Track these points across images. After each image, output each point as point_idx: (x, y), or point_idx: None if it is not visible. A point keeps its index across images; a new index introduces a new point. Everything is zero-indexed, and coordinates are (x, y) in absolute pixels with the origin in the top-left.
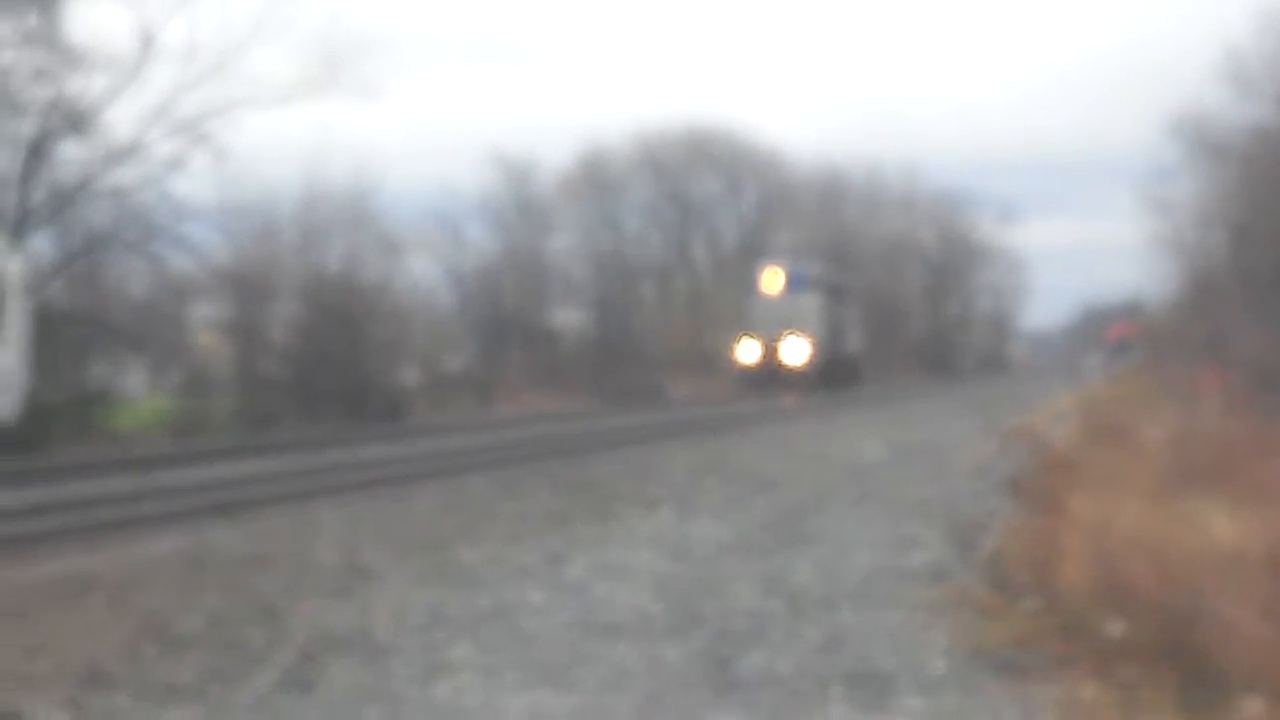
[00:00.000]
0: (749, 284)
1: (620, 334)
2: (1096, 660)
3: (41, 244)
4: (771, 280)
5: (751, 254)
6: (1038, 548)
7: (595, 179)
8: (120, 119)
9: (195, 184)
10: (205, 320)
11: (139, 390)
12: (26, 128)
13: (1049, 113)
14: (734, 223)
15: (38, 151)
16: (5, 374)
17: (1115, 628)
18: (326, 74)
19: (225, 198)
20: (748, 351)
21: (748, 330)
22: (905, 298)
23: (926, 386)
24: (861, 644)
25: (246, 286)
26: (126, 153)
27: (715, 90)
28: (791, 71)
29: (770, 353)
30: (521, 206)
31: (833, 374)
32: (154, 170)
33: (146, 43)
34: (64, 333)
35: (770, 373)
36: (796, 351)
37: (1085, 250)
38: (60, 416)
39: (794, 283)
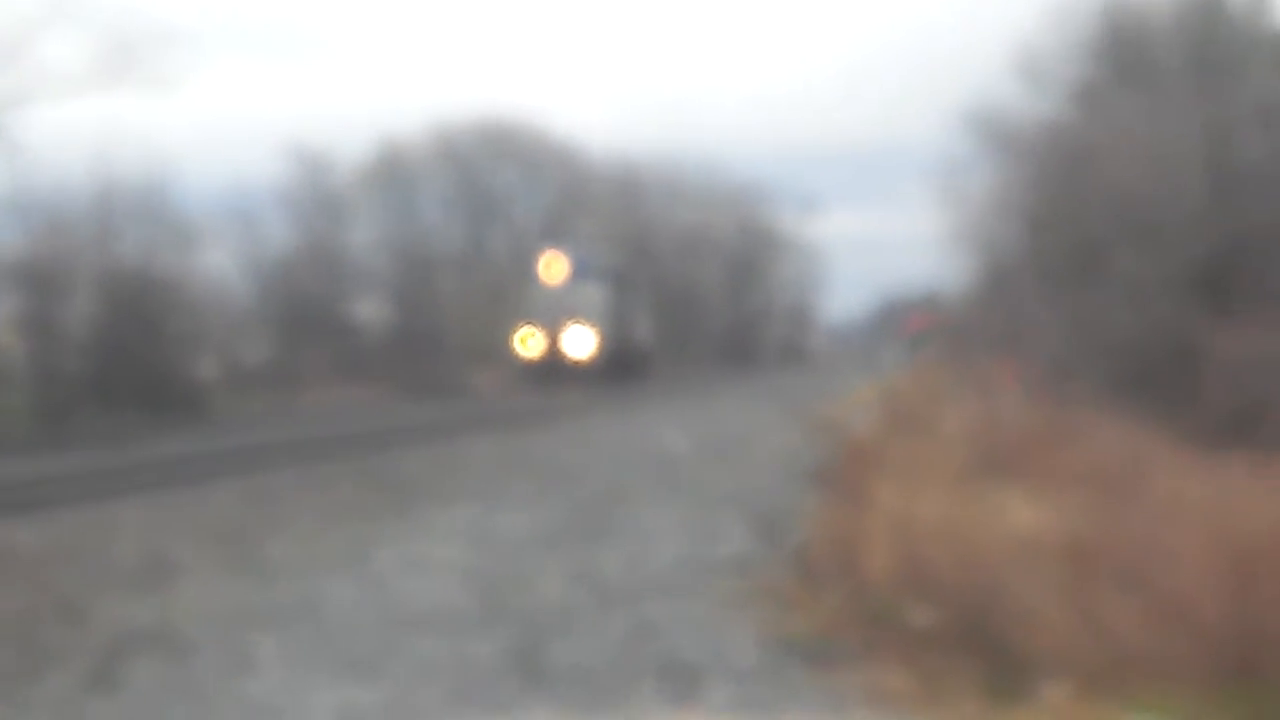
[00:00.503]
0: (529, 271)
1: (421, 327)
2: (902, 648)
3: None
4: (553, 267)
5: (550, 245)
6: (843, 538)
7: (393, 171)
8: None
9: None
10: None
11: None
12: None
13: (846, 103)
14: (533, 214)
15: None
16: None
17: (920, 616)
18: (120, 65)
19: (17, 190)
20: (529, 343)
21: (528, 320)
22: (705, 289)
23: (728, 378)
24: (670, 636)
25: (39, 280)
26: None
27: (512, 82)
28: (588, 63)
29: (553, 344)
30: (320, 199)
31: (621, 366)
32: None
33: None
34: None
35: (553, 365)
36: (581, 342)
37: (884, 242)
38: None
39: (578, 270)
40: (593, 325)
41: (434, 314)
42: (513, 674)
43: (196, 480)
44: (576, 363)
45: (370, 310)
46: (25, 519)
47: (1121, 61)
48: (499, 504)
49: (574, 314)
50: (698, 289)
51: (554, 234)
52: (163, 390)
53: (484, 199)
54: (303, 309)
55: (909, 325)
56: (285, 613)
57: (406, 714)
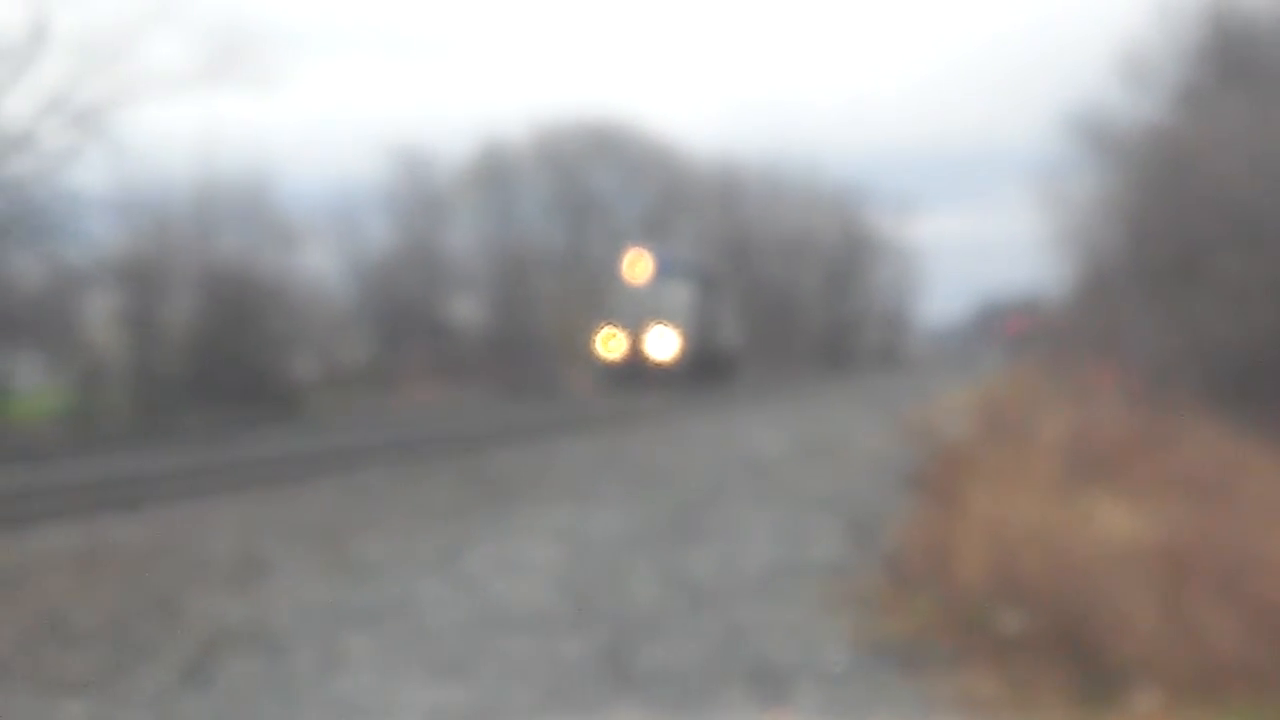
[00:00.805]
0: (613, 270)
1: (518, 327)
2: (993, 654)
3: None
4: (637, 266)
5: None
6: (936, 542)
7: (494, 171)
8: (13, 110)
9: (90, 175)
10: (100, 313)
11: (32, 383)
12: None
13: (945, 104)
14: (633, 216)
15: None
16: None
17: (1012, 621)
18: (223, 64)
19: (121, 189)
20: (611, 344)
21: (611, 320)
22: (803, 292)
23: (825, 381)
24: (761, 638)
25: (141, 279)
26: (20, 144)
27: (614, 83)
28: (689, 64)
29: (635, 345)
30: (420, 198)
31: (706, 368)
32: (48, 162)
33: (39, 32)
34: None
35: (635, 367)
36: (664, 344)
37: (982, 244)
38: None
39: (662, 269)
40: (677, 326)
41: (531, 315)
42: (603, 675)
43: (292, 479)
44: (659, 364)
45: (467, 310)
46: (124, 515)
47: (1227, 63)
48: (592, 504)
49: (657, 314)
50: (796, 291)
51: (653, 235)
52: (260, 389)
53: (583, 200)
54: (401, 309)
55: (1007, 329)
56: (378, 612)
57: (497, 714)
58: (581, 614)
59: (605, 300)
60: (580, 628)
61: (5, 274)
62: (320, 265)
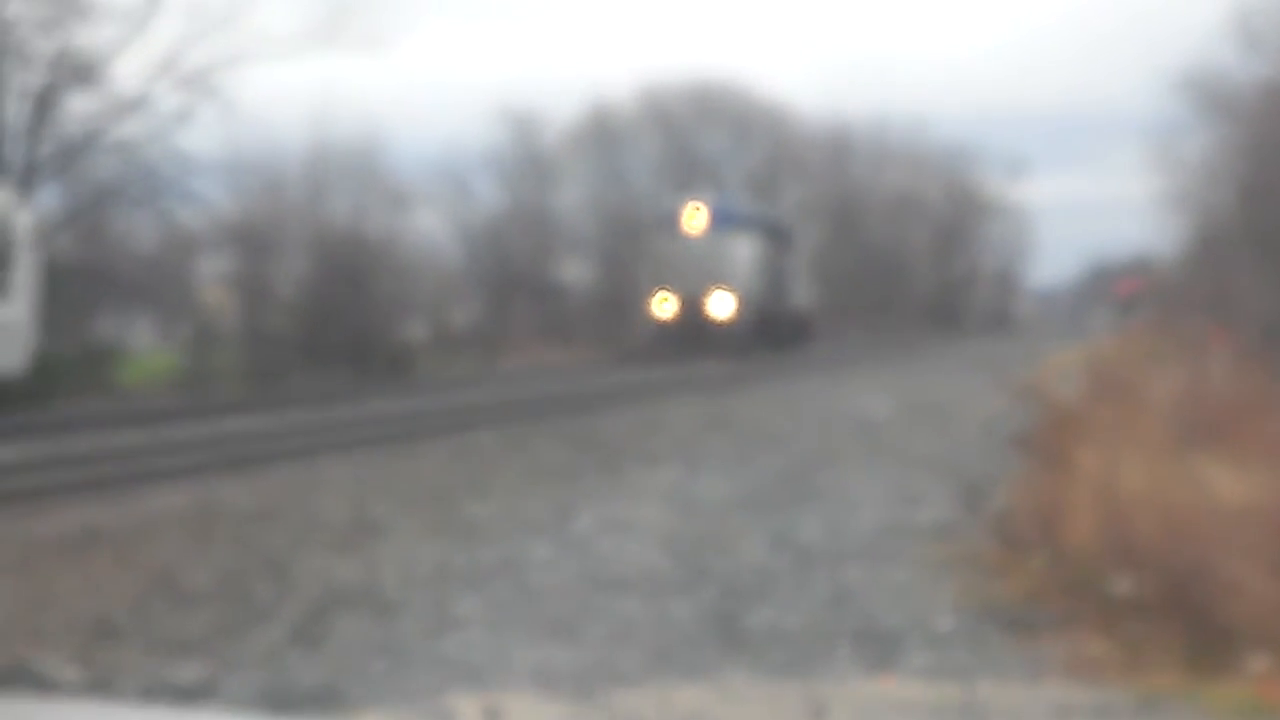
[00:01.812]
0: (668, 221)
1: (627, 288)
2: (1103, 617)
3: (48, 197)
4: (694, 219)
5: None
6: (1045, 504)
7: (602, 133)
8: (127, 71)
9: (202, 137)
10: (211, 275)
11: (145, 345)
12: (33, 79)
13: (1054, 65)
14: (741, 177)
15: (44, 103)
16: (14, 328)
17: (1122, 584)
18: (333, 26)
19: (232, 151)
20: (663, 304)
21: (662, 279)
22: (912, 254)
23: (933, 343)
24: (869, 600)
25: (253, 241)
26: (133, 105)
27: (721, 43)
28: (796, 24)
29: (690, 306)
30: (528, 160)
31: (771, 332)
32: (161, 123)
33: None
34: (71, 287)
35: (690, 329)
36: (720, 303)
37: (1092, 205)
38: (67, 371)
39: (720, 221)
40: (735, 284)
41: (641, 276)
42: (711, 637)
43: (401, 440)
44: (718, 326)
45: (575, 272)
46: (236, 476)
47: None
48: (700, 466)
49: (714, 271)
50: (904, 253)
51: (762, 198)
52: (370, 351)
53: (691, 161)
54: (510, 271)
55: (1117, 290)
56: (487, 572)
57: (606, 675)
58: (690, 575)
59: (658, 255)
60: (688, 589)
61: (118, 235)
62: (430, 227)
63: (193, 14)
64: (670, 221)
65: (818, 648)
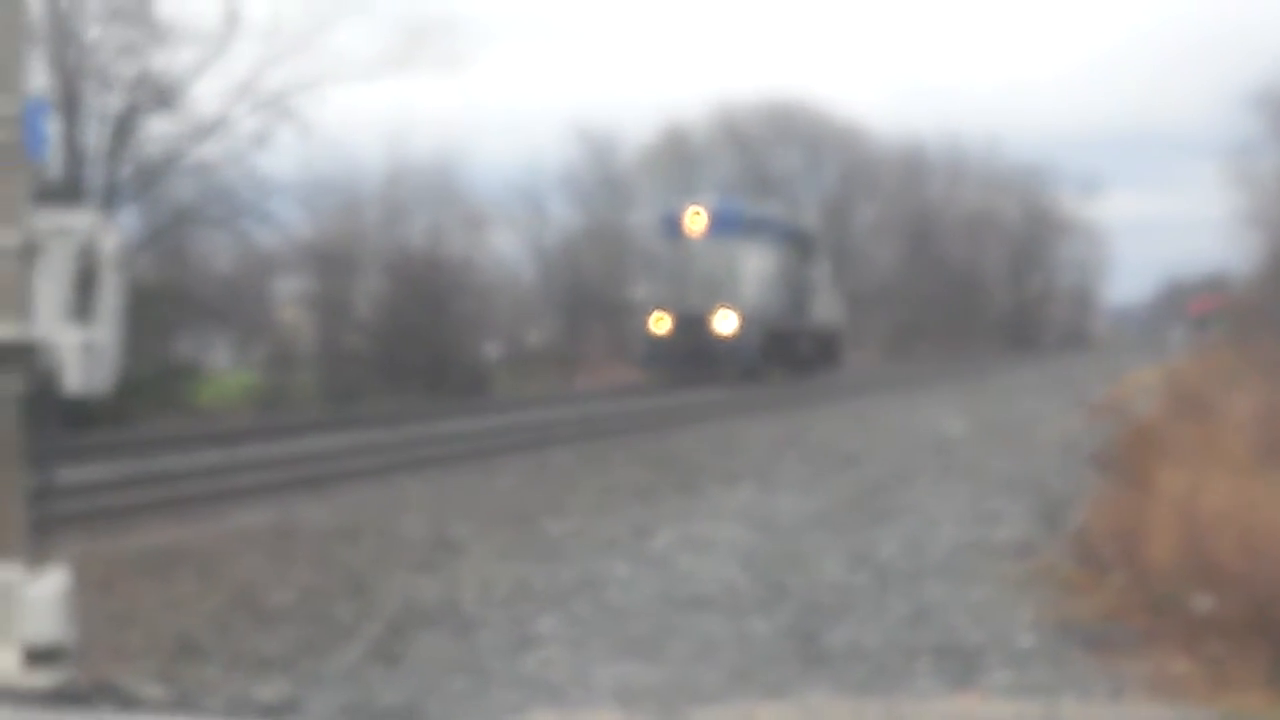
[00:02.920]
0: (669, 225)
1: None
2: (1185, 635)
3: (128, 219)
4: (696, 224)
5: (833, 229)
6: (1124, 522)
7: (677, 152)
8: (206, 94)
9: (280, 159)
10: (289, 295)
11: (223, 364)
12: (114, 102)
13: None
14: (815, 196)
15: (124, 126)
16: (101, 348)
17: (1203, 603)
18: (410, 49)
19: (309, 172)
20: (658, 320)
21: (660, 290)
22: (986, 272)
23: (1009, 360)
24: (948, 617)
25: (330, 261)
26: (212, 128)
27: (794, 63)
28: (868, 44)
29: (689, 321)
30: (603, 180)
31: (788, 353)
32: (239, 145)
33: (232, 18)
34: (150, 307)
35: (689, 348)
36: (724, 320)
37: (1167, 224)
38: (147, 390)
39: (722, 225)
40: (738, 297)
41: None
42: (792, 655)
43: (478, 459)
44: (722, 344)
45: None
46: (315, 495)
47: None
48: (776, 484)
49: (714, 282)
50: (979, 272)
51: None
52: (447, 370)
53: (766, 180)
54: (584, 290)
55: (1192, 308)
56: (566, 590)
57: (686, 693)
58: (769, 593)
59: (653, 264)
60: (768, 607)
61: (197, 257)
62: (505, 247)
63: (271, 37)
64: (671, 226)
65: (898, 665)
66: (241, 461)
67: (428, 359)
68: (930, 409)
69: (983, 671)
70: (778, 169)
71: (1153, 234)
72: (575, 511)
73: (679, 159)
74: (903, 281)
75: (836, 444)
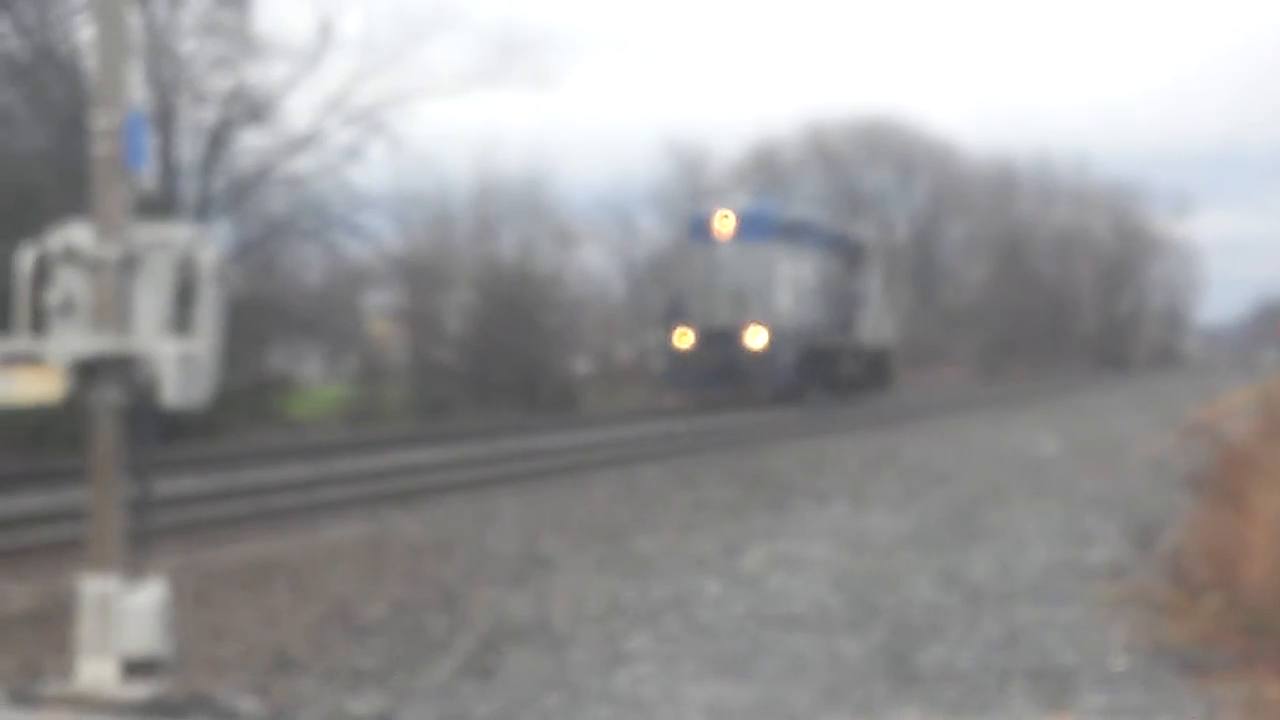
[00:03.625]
0: (700, 229)
1: None
2: None
3: (220, 231)
4: (724, 228)
5: (923, 247)
6: (1218, 544)
7: (766, 169)
8: (299, 108)
9: (371, 172)
10: (380, 308)
11: (314, 377)
12: (207, 116)
13: (1217, 101)
14: (905, 214)
15: (218, 140)
16: (201, 362)
17: None
18: (501, 64)
19: (400, 186)
20: (681, 335)
21: (685, 300)
22: (1077, 291)
23: (1100, 380)
24: (1041, 639)
25: (421, 275)
26: (304, 142)
27: (885, 81)
28: (958, 61)
29: (715, 334)
30: (693, 196)
31: (830, 373)
32: (331, 159)
33: (325, 32)
34: (243, 320)
35: (715, 364)
36: (755, 334)
37: (1260, 242)
38: (240, 403)
39: (753, 228)
40: (768, 308)
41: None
42: (883, 675)
43: (569, 474)
44: (750, 360)
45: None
46: (407, 509)
47: None
48: (867, 503)
49: (742, 292)
50: (1070, 290)
51: (926, 235)
52: (536, 385)
53: (856, 198)
54: (673, 306)
55: None
56: (657, 607)
57: (777, 712)
58: (860, 613)
59: (682, 271)
60: (859, 627)
61: (288, 269)
62: (595, 262)
63: (364, 52)
64: (701, 229)
65: (991, 687)
66: (334, 475)
67: (517, 374)
68: (1021, 428)
69: (1076, 694)
70: (868, 186)
71: (1245, 254)
72: (666, 528)
73: (769, 175)
74: (993, 299)
75: (928, 463)
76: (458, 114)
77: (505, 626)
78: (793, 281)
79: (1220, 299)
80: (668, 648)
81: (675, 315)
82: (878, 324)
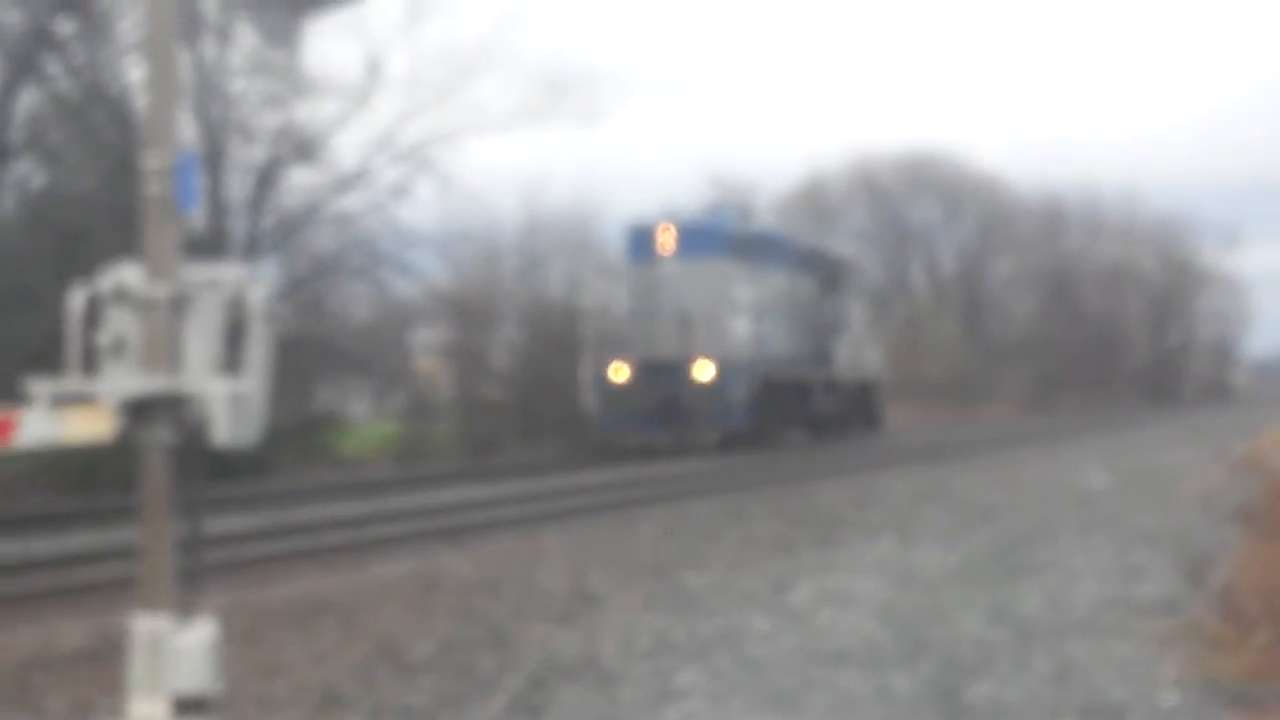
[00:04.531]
0: (641, 244)
1: None
2: None
3: (269, 269)
4: (663, 240)
5: (971, 281)
6: (1270, 579)
7: (814, 204)
8: (347, 146)
9: (419, 210)
10: (428, 345)
11: (363, 414)
12: (256, 154)
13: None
14: (953, 249)
15: (267, 178)
16: (251, 401)
17: None
18: (549, 102)
19: (448, 223)
20: (617, 368)
21: (620, 326)
22: (1126, 324)
23: (1149, 413)
24: (1091, 674)
25: (468, 312)
26: (353, 179)
27: (932, 116)
28: (1005, 96)
29: (656, 368)
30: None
31: (799, 410)
32: (379, 196)
33: (373, 71)
34: (292, 357)
35: (655, 401)
36: (701, 367)
37: None
38: (288, 440)
39: (699, 243)
40: (716, 335)
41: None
42: (932, 711)
43: (616, 510)
44: (696, 396)
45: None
46: (455, 546)
47: None
48: (916, 538)
49: (690, 316)
50: (1119, 324)
51: (974, 270)
52: (584, 421)
53: (903, 233)
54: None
55: None
56: (705, 643)
57: None
58: (909, 648)
59: (617, 291)
60: (908, 662)
61: (336, 306)
62: None
63: (411, 89)
64: (641, 244)
65: None
66: (382, 512)
67: (564, 409)
68: (1070, 462)
69: None
70: (915, 221)
71: None
72: (714, 564)
73: (816, 209)
74: (1041, 334)
75: (976, 497)
76: (505, 151)
77: (554, 664)
78: (749, 305)
79: (1270, 332)
80: (717, 684)
81: (610, 345)
82: (859, 354)
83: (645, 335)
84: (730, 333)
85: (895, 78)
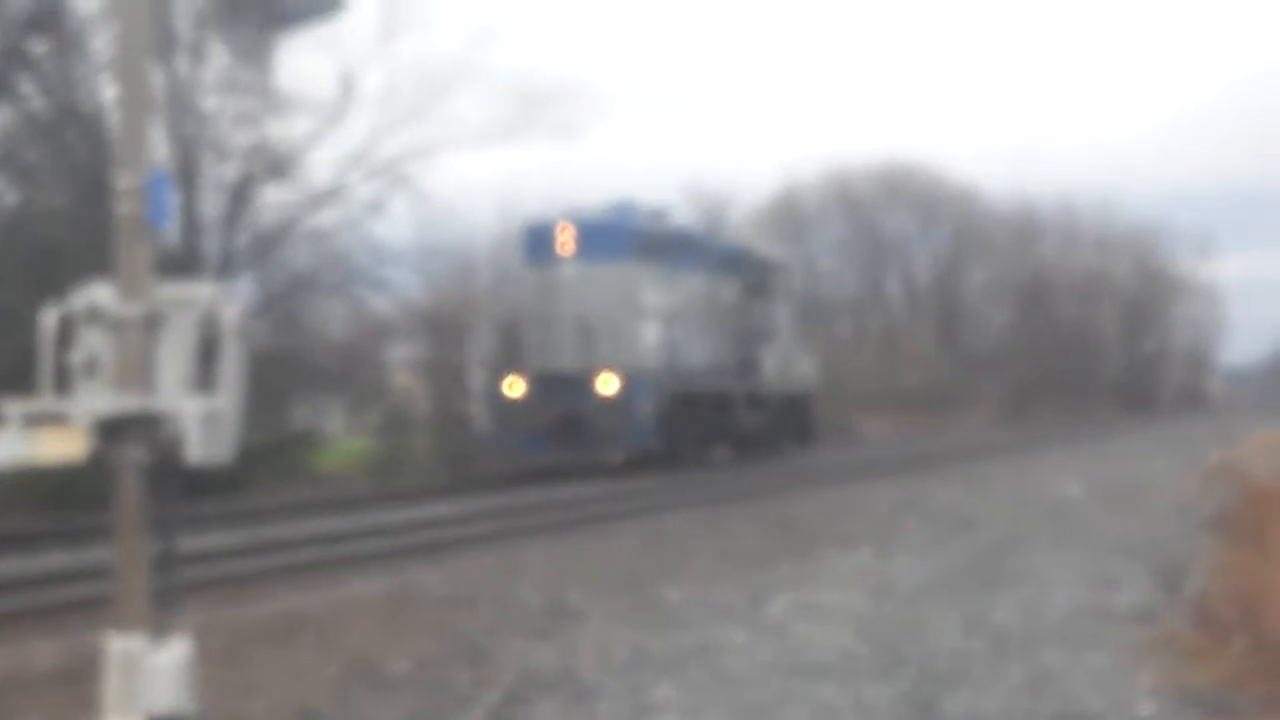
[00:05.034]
0: (539, 244)
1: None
2: None
3: (244, 287)
4: (562, 240)
5: (946, 291)
6: (1244, 587)
7: (789, 215)
8: (321, 163)
9: (394, 226)
10: (403, 361)
11: (338, 431)
12: (230, 172)
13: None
14: (928, 259)
15: (241, 195)
16: (222, 418)
17: None
18: (523, 117)
19: (423, 239)
20: (511, 383)
21: (517, 337)
22: (1100, 333)
23: (1123, 422)
24: (1067, 684)
25: (443, 327)
26: (327, 196)
27: (907, 126)
28: (980, 106)
29: (555, 382)
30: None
31: (720, 425)
32: (354, 213)
33: (347, 87)
34: (267, 374)
35: (558, 418)
36: (605, 380)
37: None
38: (264, 458)
39: (603, 244)
40: (628, 345)
41: (827, 358)
42: None
43: (594, 523)
44: (600, 413)
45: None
46: (431, 562)
47: None
48: (893, 549)
49: (592, 326)
50: (1093, 332)
51: (949, 280)
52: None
53: (879, 244)
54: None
55: None
56: (682, 657)
57: None
58: (885, 660)
59: (514, 299)
60: (885, 674)
61: (311, 323)
62: None
63: (385, 106)
64: (539, 245)
65: None
66: (358, 529)
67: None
68: (1046, 472)
69: None
70: (890, 231)
71: (1269, 295)
72: (692, 578)
73: (792, 221)
74: (1016, 343)
75: (952, 508)
76: (480, 166)
77: (531, 678)
78: (659, 310)
79: (1244, 341)
80: (694, 698)
81: (504, 357)
82: (790, 364)
83: (543, 345)
84: (637, 342)
85: (870, 89)
